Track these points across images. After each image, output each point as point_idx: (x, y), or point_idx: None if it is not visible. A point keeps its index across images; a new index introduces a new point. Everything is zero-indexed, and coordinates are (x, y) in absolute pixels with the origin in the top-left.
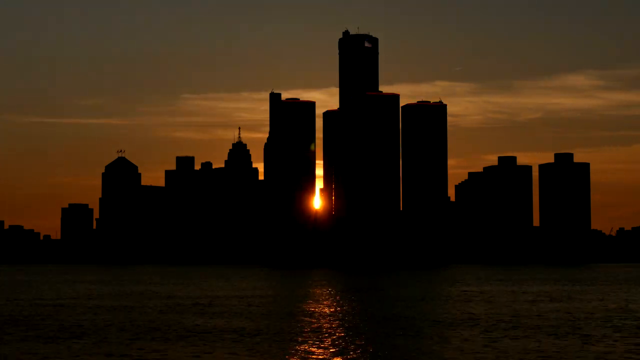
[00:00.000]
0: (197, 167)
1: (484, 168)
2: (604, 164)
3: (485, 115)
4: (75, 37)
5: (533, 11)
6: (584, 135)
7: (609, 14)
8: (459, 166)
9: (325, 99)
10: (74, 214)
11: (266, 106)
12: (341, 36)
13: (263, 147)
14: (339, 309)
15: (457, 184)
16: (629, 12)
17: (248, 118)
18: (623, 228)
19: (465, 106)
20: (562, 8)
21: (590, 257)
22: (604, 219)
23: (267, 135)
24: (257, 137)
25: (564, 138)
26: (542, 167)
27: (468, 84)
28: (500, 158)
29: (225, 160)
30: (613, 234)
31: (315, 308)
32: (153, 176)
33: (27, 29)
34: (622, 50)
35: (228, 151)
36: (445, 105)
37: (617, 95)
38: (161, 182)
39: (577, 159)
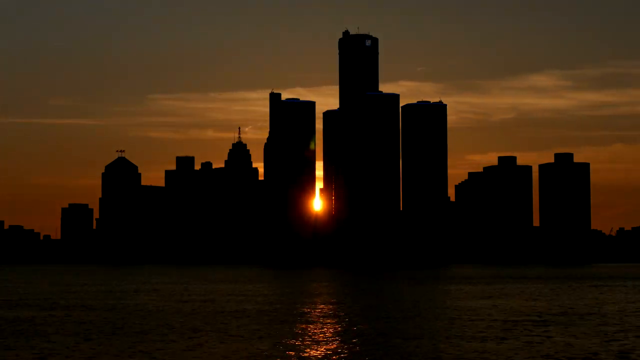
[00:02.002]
0: (197, 167)
1: (484, 168)
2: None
3: (458, 116)
4: (42, 37)
5: (490, 10)
6: (562, 136)
7: (568, 14)
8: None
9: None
10: (74, 214)
11: (266, 106)
12: (341, 36)
13: (263, 147)
14: (337, 308)
15: (457, 184)
16: (588, 12)
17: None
18: (623, 228)
19: None
20: (518, 7)
21: (590, 257)
22: (604, 219)
23: (267, 135)
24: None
25: (543, 138)
26: (542, 167)
27: (435, 84)
28: (500, 158)
29: (225, 160)
30: (613, 234)
31: (314, 308)
32: (153, 176)
33: None
34: (582, 50)
35: (228, 151)
36: (445, 105)
37: (587, 96)
38: (161, 182)
39: (552, 158)
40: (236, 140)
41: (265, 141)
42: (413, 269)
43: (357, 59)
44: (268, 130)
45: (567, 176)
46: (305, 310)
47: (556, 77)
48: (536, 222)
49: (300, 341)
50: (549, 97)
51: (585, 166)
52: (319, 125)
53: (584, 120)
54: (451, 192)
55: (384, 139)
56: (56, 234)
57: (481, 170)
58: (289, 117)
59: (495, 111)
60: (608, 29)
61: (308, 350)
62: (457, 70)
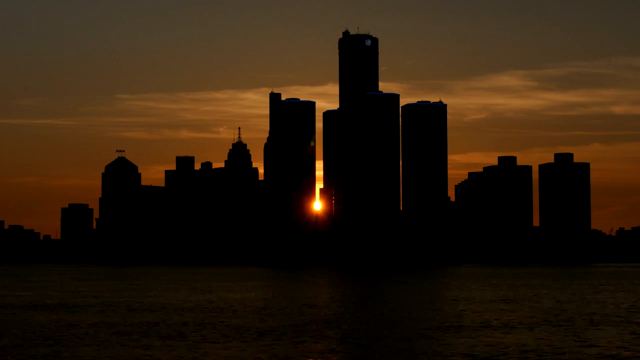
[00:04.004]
0: (197, 167)
1: (484, 168)
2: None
3: None
4: (11, 36)
5: (457, 9)
6: (540, 136)
7: (529, 14)
8: None
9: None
10: (74, 214)
11: (266, 106)
12: (341, 36)
13: (263, 147)
14: (337, 308)
15: (457, 184)
16: (549, 12)
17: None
18: (623, 228)
19: None
20: (480, 7)
21: (590, 257)
22: (604, 219)
23: (267, 135)
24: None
25: (522, 138)
26: (542, 167)
27: (398, 84)
28: (500, 158)
29: (225, 160)
30: (613, 234)
31: (313, 308)
32: (153, 176)
33: None
34: (544, 51)
35: (228, 151)
36: (446, 105)
37: (555, 96)
38: (161, 182)
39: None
40: (236, 140)
41: (265, 141)
42: (413, 269)
43: (357, 59)
44: (265, 129)
45: (567, 176)
46: (304, 310)
47: (520, 77)
48: (536, 222)
49: (299, 341)
50: (518, 98)
51: (585, 166)
52: (319, 125)
53: (559, 121)
54: (451, 192)
55: (384, 139)
56: (56, 234)
57: (478, 170)
58: (289, 117)
59: (466, 111)
60: (569, 29)
61: (306, 349)
62: (417, 69)
